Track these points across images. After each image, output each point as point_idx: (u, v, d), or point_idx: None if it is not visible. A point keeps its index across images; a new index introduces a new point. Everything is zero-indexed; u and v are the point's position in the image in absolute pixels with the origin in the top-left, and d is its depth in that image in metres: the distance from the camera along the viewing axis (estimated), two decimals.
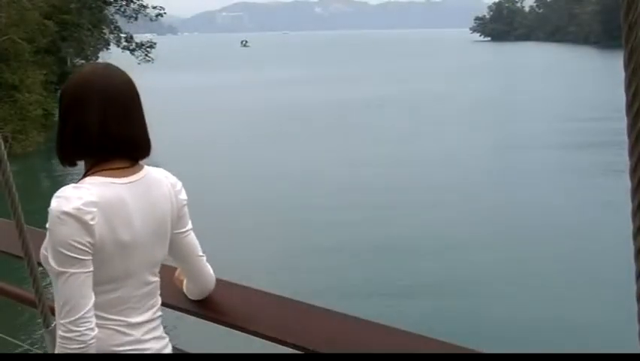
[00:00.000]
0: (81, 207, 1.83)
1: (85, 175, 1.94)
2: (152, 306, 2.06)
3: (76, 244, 1.83)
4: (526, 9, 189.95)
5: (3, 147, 2.07)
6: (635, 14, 0.84)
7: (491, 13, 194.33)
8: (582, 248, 15.95)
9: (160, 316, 2.11)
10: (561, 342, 10.84)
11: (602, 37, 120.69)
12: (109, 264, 1.90)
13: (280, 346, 2.15)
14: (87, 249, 1.84)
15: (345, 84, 59.22)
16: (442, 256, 15.66)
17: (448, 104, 43.92)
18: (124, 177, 1.93)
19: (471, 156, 27.49)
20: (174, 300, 2.38)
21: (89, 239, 1.84)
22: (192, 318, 2.48)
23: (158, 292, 2.10)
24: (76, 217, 1.82)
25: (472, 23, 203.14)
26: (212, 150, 29.64)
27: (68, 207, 1.82)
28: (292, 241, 16.91)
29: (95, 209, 1.84)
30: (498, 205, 19.97)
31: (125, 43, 45.15)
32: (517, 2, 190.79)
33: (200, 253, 2.19)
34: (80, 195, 1.84)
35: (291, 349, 2.12)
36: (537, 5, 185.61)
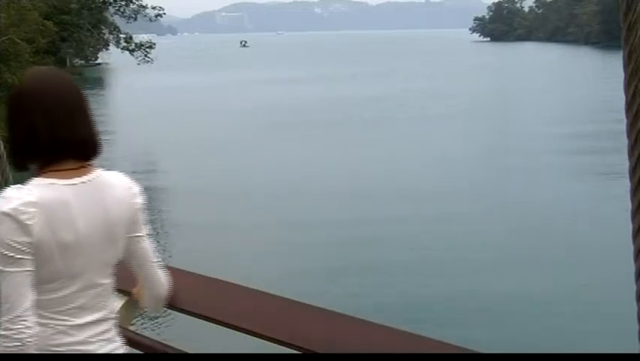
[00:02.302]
0: (18, 207, 1.86)
1: (34, 177, 1.97)
2: (103, 308, 2.05)
3: (13, 244, 1.86)
4: (526, 9, 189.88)
5: (3, 147, 2.09)
6: (634, 14, 0.84)
7: (491, 13, 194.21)
8: (581, 248, 15.94)
9: (112, 319, 2.10)
10: (561, 342, 10.84)
11: (602, 38, 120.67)
12: (50, 264, 1.91)
13: (279, 346, 2.15)
14: (25, 248, 1.87)
15: (345, 84, 59.17)
16: (441, 256, 15.65)
17: (446, 105, 43.89)
18: (70, 178, 1.95)
19: (470, 158, 27.48)
20: (174, 300, 2.38)
21: (25, 239, 1.86)
22: (192, 318, 2.48)
23: (112, 294, 2.10)
24: (12, 217, 1.85)
25: (471, 23, 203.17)
26: (211, 147, 29.62)
27: (6, 208, 1.86)
28: (288, 241, 16.89)
29: (33, 209, 1.87)
30: (497, 207, 19.96)
31: (124, 44, 45.16)
32: (516, 2, 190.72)
33: (154, 260, 2.19)
34: (20, 196, 1.88)
35: (290, 349, 2.12)
36: (537, 5, 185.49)
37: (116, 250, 2.05)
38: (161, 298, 2.28)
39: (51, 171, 1.95)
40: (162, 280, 2.24)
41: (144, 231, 2.14)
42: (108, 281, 2.07)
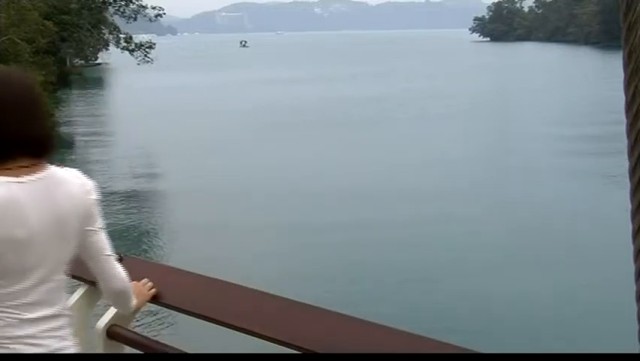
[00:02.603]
0: None
1: None
2: (55, 304, 2.08)
3: None
4: (526, 9, 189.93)
5: None
6: (634, 15, 0.84)
7: (490, 13, 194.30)
8: (581, 248, 15.95)
9: (66, 316, 2.12)
10: (561, 342, 10.84)
11: (602, 38, 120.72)
12: (2, 260, 1.94)
13: (279, 346, 2.15)
14: None
15: (345, 84, 59.14)
16: (441, 256, 15.66)
17: (446, 105, 43.89)
18: (22, 176, 1.98)
19: (470, 158, 27.48)
20: (174, 300, 2.38)
21: None
22: (192, 318, 2.48)
23: (65, 291, 2.13)
24: None
25: (471, 23, 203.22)
26: (211, 147, 29.62)
27: None
28: (288, 241, 16.90)
29: None
30: (497, 207, 19.97)
31: (124, 44, 45.14)
32: (516, 2, 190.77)
33: (109, 253, 2.21)
34: None
35: (290, 349, 2.12)
36: (536, 5, 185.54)
37: (70, 245, 2.09)
38: (119, 292, 2.30)
39: (3, 169, 1.98)
40: (118, 274, 2.25)
41: (98, 225, 2.16)
42: (62, 277, 2.10)
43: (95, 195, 2.14)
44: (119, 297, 2.34)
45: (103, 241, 2.19)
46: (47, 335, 2.05)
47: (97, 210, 2.15)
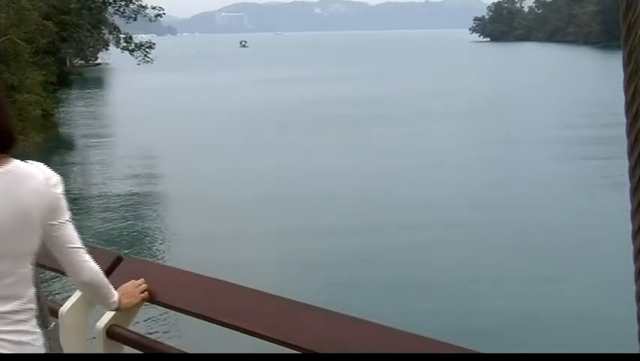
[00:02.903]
0: None
1: None
2: (18, 298, 2.06)
3: None
4: (526, 9, 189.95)
5: None
6: (634, 15, 0.84)
7: (490, 13, 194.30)
8: (581, 249, 15.94)
9: (31, 309, 2.10)
10: (561, 342, 10.84)
11: (602, 38, 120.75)
12: None
13: (279, 346, 2.15)
14: None
15: (345, 84, 59.10)
16: (441, 258, 15.65)
17: (446, 105, 43.88)
18: None
19: (470, 159, 27.47)
20: (174, 300, 2.38)
21: None
22: (192, 318, 2.48)
23: (30, 284, 2.11)
24: None
25: (471, 24, 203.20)
26: (210, 148, 29.61)
27: None
28: (286, 243, 16.89)
29: None
30: (496, 208, 19.96)
31: (124, 44, 45.10)
32: (516, 3, 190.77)
33: (76, 245, 2.21)
34: None
35: (290, 349, 2.12)
36: (536, 6, 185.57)
37: (34, 239, 2.09)
38: (89, 284, 2.29)
39: None
40: (87, 265, 2.24)
41: (64, 218, 2.16)
42: (25, 270, 2.09)
43: (60, 189, 2.14)
44: (91, 289, 2.32)
45: (70, 235, 2.18)
46: (9, 328, 2.03)
47: (63, 204, 2.15)
